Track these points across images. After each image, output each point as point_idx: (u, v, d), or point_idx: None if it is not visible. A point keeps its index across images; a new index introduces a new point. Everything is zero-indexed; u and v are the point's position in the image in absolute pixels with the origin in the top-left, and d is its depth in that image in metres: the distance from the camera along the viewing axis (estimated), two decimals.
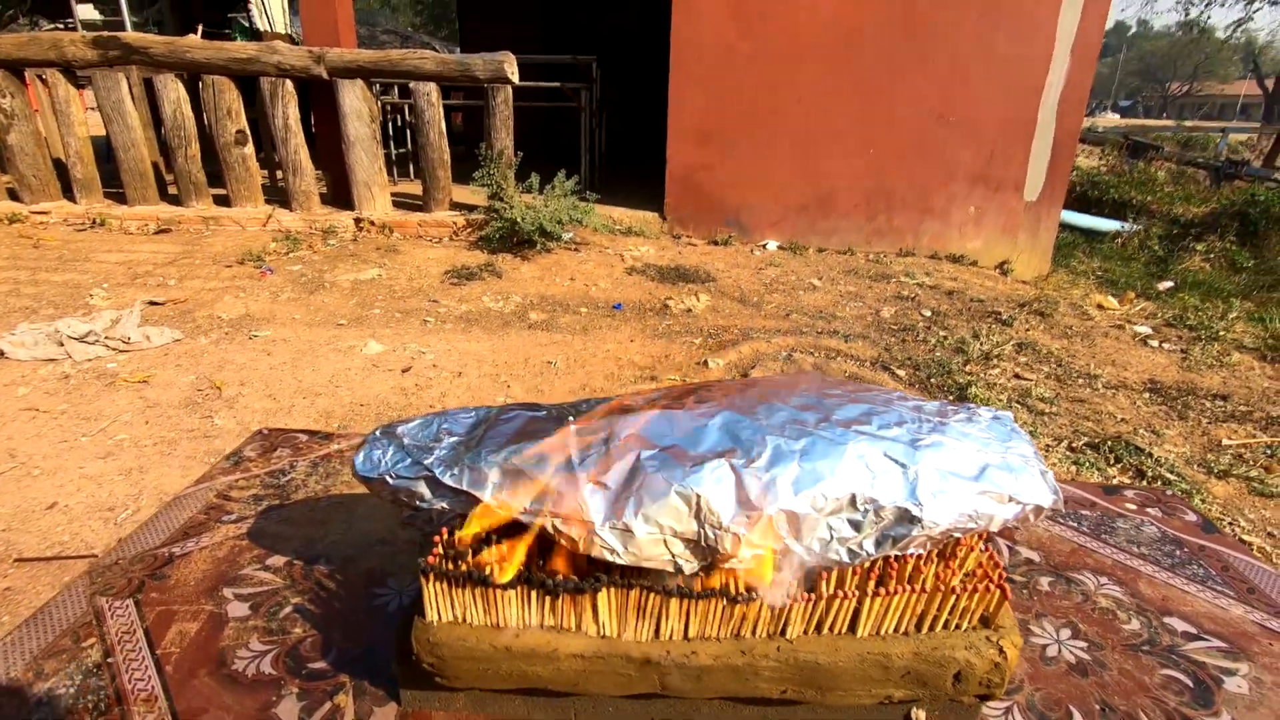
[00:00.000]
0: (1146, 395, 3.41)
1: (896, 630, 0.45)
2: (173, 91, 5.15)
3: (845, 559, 0.42)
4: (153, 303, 4.02)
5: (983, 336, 3.93)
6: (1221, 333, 4.26)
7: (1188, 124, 24.90)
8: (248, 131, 5.35)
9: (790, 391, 0.48)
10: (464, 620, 0.45)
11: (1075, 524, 0.79)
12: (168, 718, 0.50)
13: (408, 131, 7.29)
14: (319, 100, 5.53)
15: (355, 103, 5.18)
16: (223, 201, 5.51)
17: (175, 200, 5.56)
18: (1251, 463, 2.84)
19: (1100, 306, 4.79)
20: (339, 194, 5.71)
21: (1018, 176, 5.66)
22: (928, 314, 4.40)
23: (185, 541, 0.70)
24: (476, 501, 0.46)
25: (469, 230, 5.41)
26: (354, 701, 0.53)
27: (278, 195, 5.70)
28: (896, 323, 4.25)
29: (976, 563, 0.46)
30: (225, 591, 0.63)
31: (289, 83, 5.19)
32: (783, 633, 0.45)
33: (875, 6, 5.32)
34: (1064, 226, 6.29)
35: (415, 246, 5.20)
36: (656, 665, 0.45)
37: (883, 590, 0.44)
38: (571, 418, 0.51)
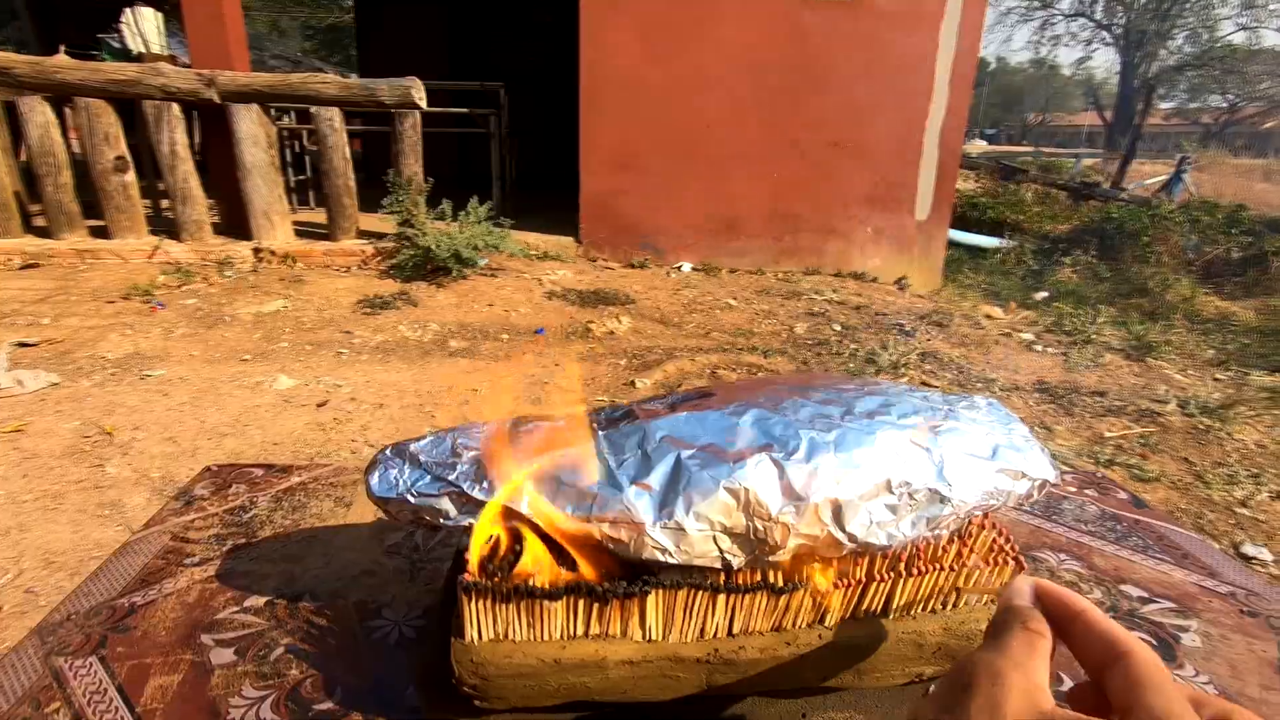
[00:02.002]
0: (1037, 395, 3.70)
1: (925, 609, 0.48)
2: (40, 115, 4.73)
3: (884, 542, 0.44)
4: (23, 344, 3.64)
5: (890, 347, 4.17)
6: (1093, 336, 4.70)
7: (1045, 150, 27.53)
8: (128, 158, 4.98)
9: (807, 387, 0.50)
10: (506, 637, 0.44)
11: (1029, 508, 0.85)
12: None
13: (305, 158, 7.01)
14: (210, 125, 5.23)
15: (251, 128, 4.94)
16: (101, 233, 5.08)
17: (44, 233, 5.08)
18: (1130, 451, 3.14)
19: (989, 316, 5.18)
20: (234, 223, 5.40)
21: (909, 198, 6.06)
22: (838, 328, 4.62)
23: (146, 590, 0.63)
24: (511, 514, 0.45)
25: (379, 259, 5.24)
26: None
27: (164, 226, 5.32)
28: (810, 337, 4.44)
29: (989, 540, 0.50)
30: (204, 639, 0.58)
31: (175, 107, 4.89)
32: (821, 620, 0.47)
33: (775, 42, 5.61)
34: (951, 244, 6.78)
35: (322, 276, 4.97)
36: (705, 664, 0.45)
37: (916, 570, 0.46)
38: (595, 425, 0.51)
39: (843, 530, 0.43)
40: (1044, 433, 3.24)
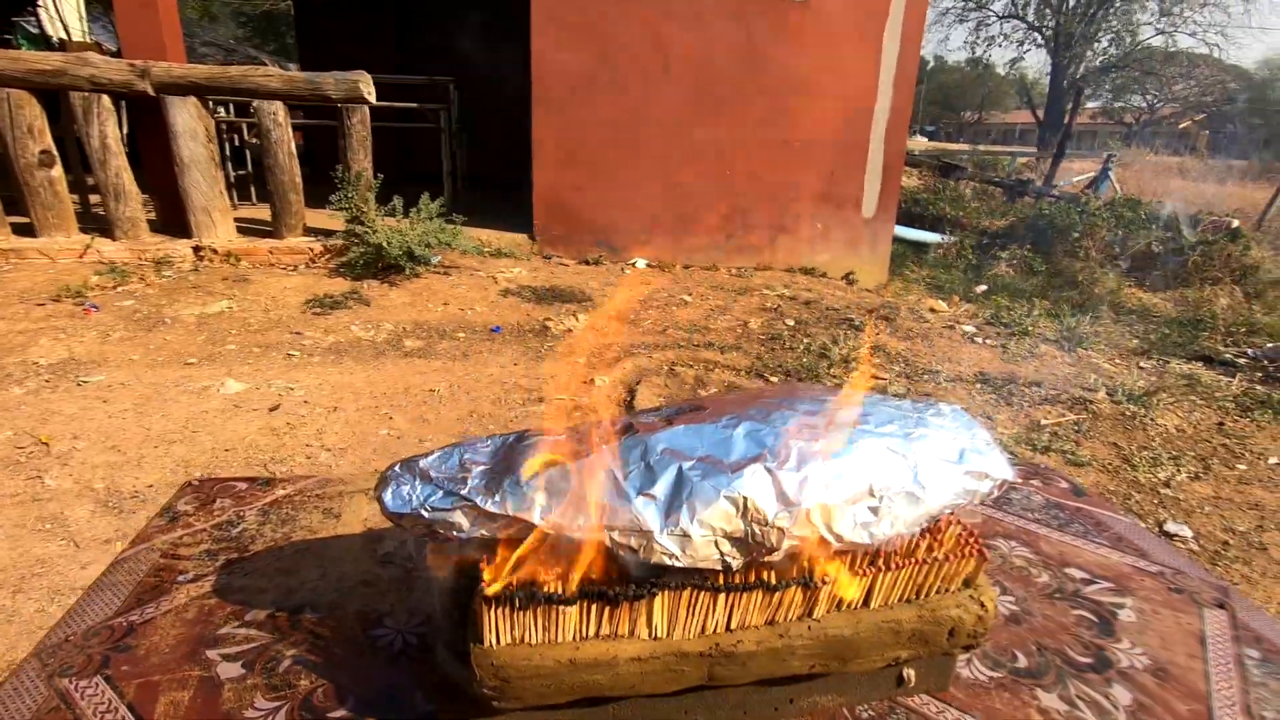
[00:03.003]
0: (978, 385, 3.88)
1: (900, 600, 0.53)
2: None
3: (866, 541, 0.48)
4: None
5: (841, 342, 4.30)
6: (1029, 328, 4.93)
7: (982, 148, 28.57)
8: (54, 152, 4.74)
9: (793, 399, 0.54)
10: (523, 640, 0.47)
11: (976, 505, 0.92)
12: None
13: (246, 152, 6.78)
14: (143, 118, 5.01)
15: (189, 121, 4.76)
16: (25, 231, 4.82)
17: None
18: (1065, 438, 3.33)
19: (933, 310, 5.38)
20: (171, 220, 5.19)
21: (856, 194, 6.24)
22: (791, 323, 4.73)
23: (142, 609, 0.64)
24: (522, 525, 0.48)
25: (327, 256, 5.12)
26: None
27: (96, 223, 5.08)
28: (764, 332, 4.53)
29: (955, 535, 0.55)
30: (209, 654, 0.59)
31: (106, 99, 4.66)
32: (809, 614, 0.51)
33: (722, 41, 5.68)
34: (896, 240, 7.00)
35: (268, 275, 4.83)
36: (707, 657, 0.49)
37: (894, 565, 0.51)
38: (597, 438, 0.54)
39: (831, 532, 0.47)
40: (986, 421, 3.40)
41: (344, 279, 4.83)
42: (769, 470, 0.48)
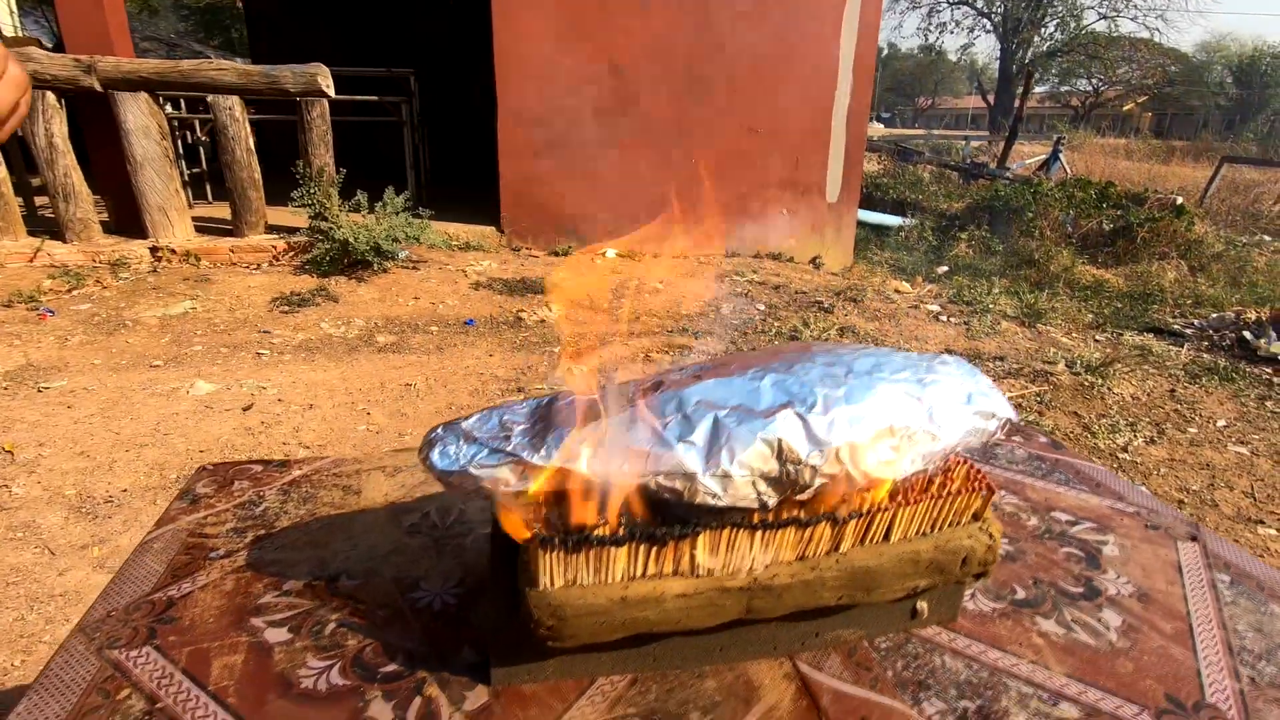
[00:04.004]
0: None
1: (918, 533, 0.57)
2: None
3: (888, 477, 0.52)
4: None
5: (811, 324, 4.38)
6: (990, 306, 5.09)
7: (936, 133, 29.15)
8: None
9: (811, 353, 0.58)
10: (575, 583, 0.50)
11: (969, 453, 0.98)
12: None
13: (200, 149, 6.59)
14: (91, 116, 4.84)
15: (140, 118, 4.61)
16: None
17: None
18: (1028, 409, 3.46)
19: (898, 291, 5.51)
20: (126, 221, 5.04)
21: (820, 180, 6.34)
22: (762, 308, 4.80)
23: (179, 583, 0.65)
24: (569, 476, 0.50)
25: (292, 254, 5.03)
26: (442, 691, 0.54)
27: (45, 226, 4.91)
28: (736, 317, 4.60)
29: (964, 473, 0.59)
30: (254, 622, 0.60)
31: (50, 95, 4.50)
32: (837, 548, 0.55)
33: (684, 29, 5.70)
34: (859, 223, 7.13)
35: (231, 275, 4.73)
36: (746, 591, 0.52)
37: (912, 500, 0.55)
38: (632, 395, 0.57)
39: (857, 469, 0.51)
40: None
41: (310, 276, 4.75)
42: (799, 415, 0.52)
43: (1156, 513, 0.88)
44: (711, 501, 0.49)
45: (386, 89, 6.34)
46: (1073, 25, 29.06)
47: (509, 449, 0.51)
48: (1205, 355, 4.35)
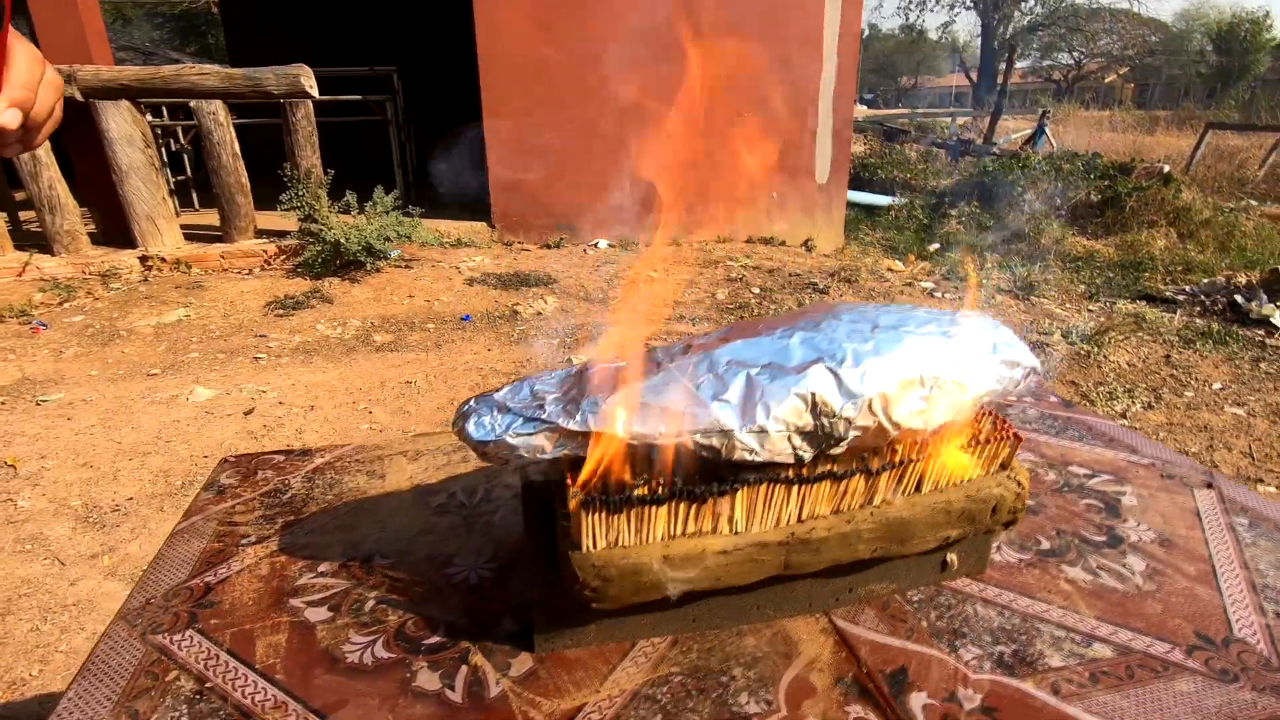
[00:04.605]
0: None
1: (949, 483, 0.58)
2: None
3: (920, 426, 0.53)
4: None
5: (807, 305, 4.39)
6: (984, 281, 5.11)
7: (920, 112, 29.09)
8: None
9: (836, 312, 0.59)
10: (617, 543, 0.50)
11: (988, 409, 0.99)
12: (311, 718, 0.49)
13: (184, 157, 6.54)
14: (73, 126, 4.78)
15: (124, 127, 4.57)
16: None
17: None
18: None
19: (891, 269, 5.52)
20: (113, 231, 5.00)
21: (809, 162, 6.33)
22: (756, 291, 4.81)
23: (214, 570, 0.65)
24: (606, 439, 0.51)
25: (283, 258, 5.00)
26: (487, 660, 0.55)
27: (32, 239, 4.86)
28: (732, 302, 4.60)
29: (991, 422, 0.60)
30: (293, 602, 0.61)
31: None
32: (870, 501, 0.55)
33: (667, 12, 5.67)
34: (849, 204, 7.13)
35: (223, 281, 4.70)
36: (784, 546, 0.53)
37: (942, 449, 0.56)
38: (661, 360, 0.57)
39: (890, 420, 0.52)
40: None
41: (303, 279, 4.73)
42: (830, 369, 0.52)
43: (1171, 463, 0.89)
44: (749, 457, 0.49)
45: (370, 88, 6.30)
46: None
47: (544, 416, 0.52)
48: (1198, 320, 4.39)
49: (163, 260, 4.78)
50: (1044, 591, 0.65)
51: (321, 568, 0.66)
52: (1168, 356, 3.80)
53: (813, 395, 0.51)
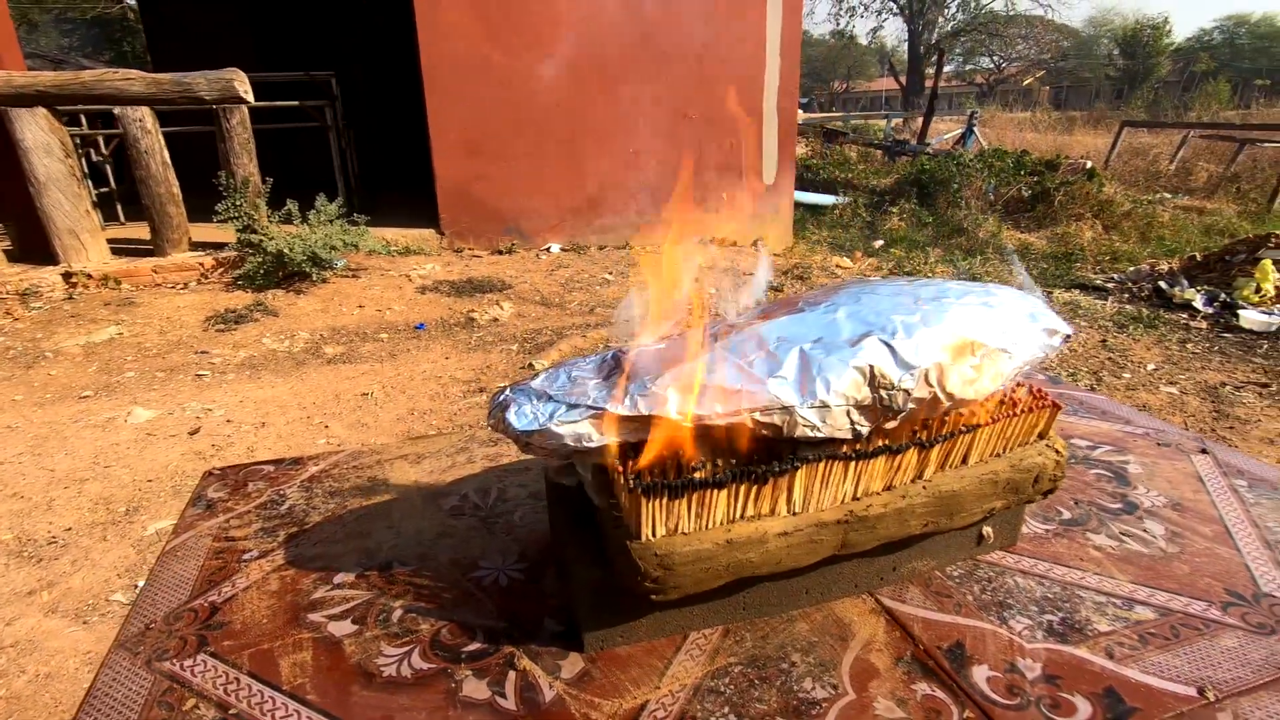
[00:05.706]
0: None
1: (992, 454, 0.58)
2: None
3: (971, 396, 0.53)
4: None
5: (828, 283, 4.44)
6: (930, 275, 5.27)
7: (854, 115, 29.94)
8: None
9: (873, 286, 0.58)
10: (677, 530, 0.48)
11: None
12: None
13: (106, 168, 6.20)
14: None
15: (41, 135, 4.29)
16: None
17: None
18: None
19: (840, 266, 5.64)
20: (32, 247, 4.68)
21: (755, 163, 6.42)
22: (713, 292, 4.83)
23: (217, 589, 0.60)
24: (657, 423, 0.49)
25: (221, 270, 4.78)
26: (535, 663, 0.52)
27: None
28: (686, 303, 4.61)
29: (1028, 392, 0.61)
30: (312, 618, 0.56)
31: None
32: (920, 475, 0.55)
33: (613, 15, 5.67)
34: (796, 204, 7.26)
35: (157, 296, 4.46)
36: (843, 524, 0.52)
37: (990, 419, 0.56)
38: (706, 340, 0.55)
39: (943, 390, 0.51)
40: None
41: (245, 291, 4.53)
42: (884, 342, 0.51)
43: (1163, 432, 0.92)
44: (810, 434, 0.48)
45: (307, 93, 6.09)
46: (973, 5, 30.33)
47: (589, 402, 0.49)
48: (1128, 306, 4.62)
49: (89, 276, 4.50)
50: (1076, 559, 0.66)
51: (337, 579, 0.61)
52: (1104, 341, 3.98)
53: (870, 368, 0.50)
